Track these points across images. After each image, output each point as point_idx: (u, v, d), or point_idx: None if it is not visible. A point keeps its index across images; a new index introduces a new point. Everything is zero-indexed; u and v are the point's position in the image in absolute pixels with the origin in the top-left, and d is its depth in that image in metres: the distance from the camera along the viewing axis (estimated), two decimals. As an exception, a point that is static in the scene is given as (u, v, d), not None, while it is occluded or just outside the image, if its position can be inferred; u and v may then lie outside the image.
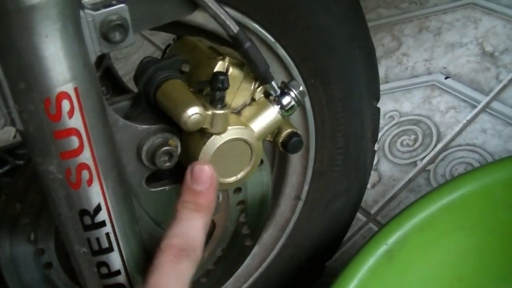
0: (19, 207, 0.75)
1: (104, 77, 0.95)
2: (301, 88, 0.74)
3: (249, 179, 0.82)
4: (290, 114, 0.76)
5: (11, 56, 0.55)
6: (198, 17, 0.78)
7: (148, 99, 0.72)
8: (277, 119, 0.74)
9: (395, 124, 1.52)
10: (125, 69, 2.03)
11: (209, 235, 0.89)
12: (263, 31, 0.83)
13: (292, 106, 0.75)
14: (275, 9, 0.82)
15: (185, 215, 0.68)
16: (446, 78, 1.57)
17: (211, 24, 0.79)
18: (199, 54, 0.76)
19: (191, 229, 0.67)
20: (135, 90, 0.77)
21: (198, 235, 0.67)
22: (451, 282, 1.06)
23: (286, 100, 0.74)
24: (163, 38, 2.12)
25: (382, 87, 1.59)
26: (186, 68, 0.75)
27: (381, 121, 1.44)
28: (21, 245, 0.78)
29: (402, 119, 1.52)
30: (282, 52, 0.86)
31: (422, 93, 1.56)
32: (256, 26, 0.82)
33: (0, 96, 0.57)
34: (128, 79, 1.06)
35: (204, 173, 0.69)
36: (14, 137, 1.54)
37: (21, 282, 0.80)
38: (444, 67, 1.60)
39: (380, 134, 1.50)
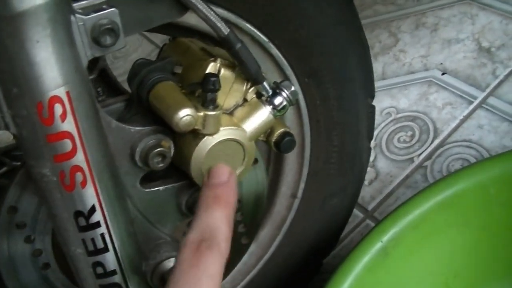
0: (17, 208, 0.76)
1: (99, 78, 0.96)
2: (292, 88, 0.75)
3: (244, 178, 0.83)
4: (282, 114, 0.76)
5: (3, 61, 0.56)
6: (191, 19, 0.79)
7: (141, 101, 0.72)
8: (269, 119, 0.75)
9: (392, 121, 1.52)
10: (124, 68, 2.03)
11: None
12: (256, 31, 0.83)
13: (284, 106, 0.75)
14: (267, 9, 0.83)
15: (203, 208, 0.65)
16: (442, 74, 1.57)
17: (204, 25, 0.80)
18: (191, 56, 0.76)
19: (210, 220, 0.64)
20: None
21: (219, 226, 0.63)
22: (446, 278, 1.06)
23: (278, 100, 0.75)
24: (162, 37, 2.11)
25: (379, 83, 1.59)
26: (178, 69, 0.76)
27: (378, 118, 1.45)
28: (19, 246, 0.79)
29: (399, 115, 1.53)
30: (275, 51, 0.86)
31: (419, 89, 1.57)
32: (248, 26, 0.82)
33: (-7, 101, 0.58)
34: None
35: (221, 169, 0.69)
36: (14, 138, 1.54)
37: (19, 282, 0.81)
38: (441, 63, 1.60)
39: (377, 131, 1.50)
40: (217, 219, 0.64)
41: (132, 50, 2.14)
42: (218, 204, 0.65)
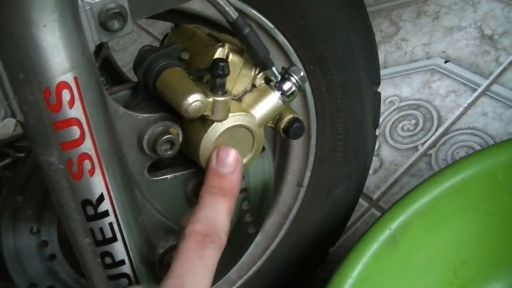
0: (21, 199, 0.75)
1: (102, 67, 0.95)
2: (301, 74, 0.74)
3: (251, 167, 0.82)
4: (291, 100, 0.75)
5: (9, 47, 0.55)
6: (195, 4, 0.78)
7: (147, 88, 0.71)
8: (278, 105, 0.74)
9: (395, 109, 1.52)
10: (123, 61, 2.03)
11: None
12: (262, 17, 0.82)
13: (293, 92, 0.74)
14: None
15: (209, 200, 0.66)
16: (445, 62, 1.56)
17: (209, 11, 0.79)
18: (198, 42, 0.75)
19: (215, 214, 0.65)
20: (134, 80, 0.76)
21: (223, 221, 0.66)
22: (454, 265, 1.05)
23: (287, 85, 0.74)
24: (161, 29, 2.11)
25: (382, 72, 1.57)
26: (185, 56, 0.75)
27: (381, 106, 1.44)
28: (24, 238, 0.78)
29: (402, 104, 1.52)
30: (281, 38, 0.86)
31: (422, 78, 1.56)
32: (254, 12, 0.81)
33: (-1, 87, 0.57)
34: (126, 70, 1.06)
35: (229, 156, 0.68)
36: (14, 130, 1.53)
37: (25, 274, 0.80)
38: (443, 51, 1.59)
39: (380, 120, 1.49)
40: (222, 214, 0.66)
41: (130, 43, 2.13)
42: (224, 197, 0.67)
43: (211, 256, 0.63)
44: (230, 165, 0.68)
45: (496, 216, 1.04)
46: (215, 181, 0.67)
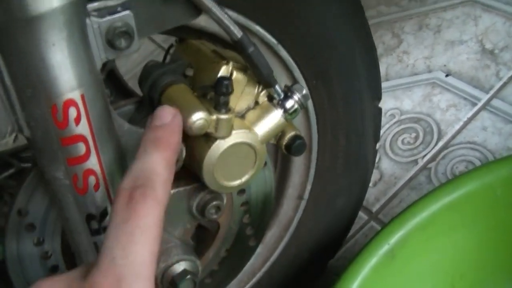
0: (26, 210, 0.75)
1: (107, 79, 0.96)
2: (304, 92, 0.75)
3: (252, 180, 0.83)
4: (294, 117, 0.76)
5: (19, 63, 0.56)
6: (200, 20, 0.78)
7: (152, 103, 0.72)
8: (280, 123, 0.75)
9: (396, 122, 1.52)
10: (126, 67, 2.03)
11: (213, 236, 0.90)
12: (265, 33, 0.83)
13: (296, 110, 0.75)
14: (277, 11, 0.83)
15: (140, 153, 0.56)
16: (446, 75, 1.57)
17: (213, 27, 0.80)
18: (202, 58, 0.76)
19: (145, 164, 0.55)
20: (138, 91, 0.77)
21: (156, 169, 0.54)
22: (453, 279, 1.06)
23: (289, 103, 0.75)
24: (164, 36, 2.11)
25: (383, 85, 1.57)
26: (190, 72, 0.76)
27: (382, 119, 1.45)
28: (28, 248, 0.78)
29: (403, 117, 1.53)
30: (284, 53, 0.86)
31: (423, 91, 1.57)
32: (258, 28, 0.82)
33: (7, 103, 0.58)
34: (128, 77, 1.07)
35: (164, 110, 0.60)
36: (14, 141, 1.54)
37: (28, 284, 0.81)
38: (444, 65, 1.60)
39: (381, 132, 1.50)
40: (154, 162, 0.55)
41: (133, 50, 2.13)
42: (157, 146, 0.57)
43: (146, 213, 0.51)
44: (164, 116, 0.60)
45: (494, 231, 1.05)
46: (148, 134, 0.58)
